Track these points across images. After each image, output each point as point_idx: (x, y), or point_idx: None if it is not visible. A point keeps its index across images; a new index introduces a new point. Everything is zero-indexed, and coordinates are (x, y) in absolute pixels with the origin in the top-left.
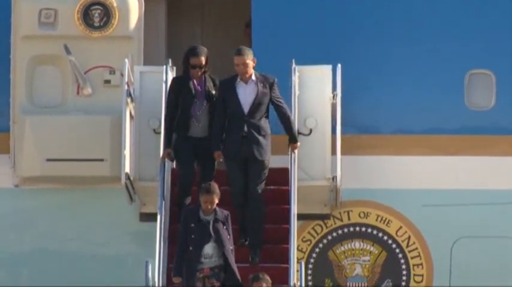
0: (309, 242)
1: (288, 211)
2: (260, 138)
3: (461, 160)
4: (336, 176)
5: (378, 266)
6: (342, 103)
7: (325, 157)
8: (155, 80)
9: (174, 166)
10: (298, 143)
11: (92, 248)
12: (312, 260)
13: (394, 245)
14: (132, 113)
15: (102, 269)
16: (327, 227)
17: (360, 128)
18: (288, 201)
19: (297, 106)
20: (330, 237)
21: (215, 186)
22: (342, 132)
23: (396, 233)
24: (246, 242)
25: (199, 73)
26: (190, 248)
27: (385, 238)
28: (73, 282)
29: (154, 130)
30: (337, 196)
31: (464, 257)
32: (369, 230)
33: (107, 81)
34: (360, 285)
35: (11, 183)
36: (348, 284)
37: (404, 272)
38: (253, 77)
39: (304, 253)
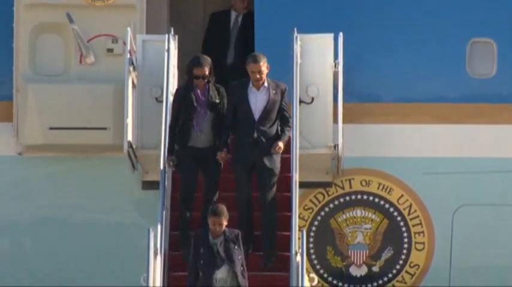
0: (310, 210)
1: (290, 179)
2: (269, 145)
3: (462, 128)
4: (338, 144)
5: (379, 234)
6: (344, 72)
7: (326, 125)
8: (157, 48)
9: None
10: (281, 146)
11: (94, 217)
12: (313, 228)
13: (395, 213)
14: (135, 81)
15: (105, 238)
16: (328, 195)
17: (361, 96)
18: (289, 169)
19: (298, 75)
20: (331, 205)
21: (223, 208)
22: (344, 101)
23: (398, 201)
24: (266, 265)
25: (203, 83)
26: (201, 274)
27: (387, 206)
28: (76, 250)
29: (156, 99)
30: (338, 164)
31: (466, 225)
32: (371, 198)
33: (110, 50)
34: (361, 253)
35: (14, 151)
36: (349, 252)
37: (405, 240)
38: (266, 84)
39: (306, 221)
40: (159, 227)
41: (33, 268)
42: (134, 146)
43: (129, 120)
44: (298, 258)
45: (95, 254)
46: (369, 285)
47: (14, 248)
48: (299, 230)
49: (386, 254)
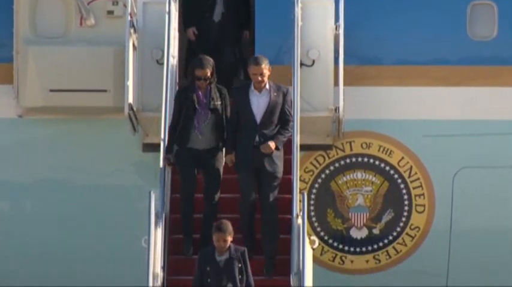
0: (311, 173)
1: (291, 141)
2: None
3: (463, 90)
4: (339, 107)
5: (379, 197)
6: (345, 34)
7: (327, 88)
8: (158, 11)
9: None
10: (271, 146)
11: (95, 179)
12: (314, 191)
13: (396, 176)
14: (135, 44)
15: (106, 200)
16: (329, 158)
17: (362, 59)
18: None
19: (299, 38)
20: (332, 167)
21: (228, 224)
22: (345, 63)
23: (398, 164)
24: (266, 274)
25: (205, 84)
26: None
27: (387, 168)
28: (76, 213)
29: (157, 61)
30: (339, 126)
31: (466, 187)
32: (371, 160)
33: (110, 12)
34: (362, 215)
35: (14, 113)
36: (350, 214)
37: (406, 203)
38: (267, 86)
39: (307, 183)
40: (160, 189)
41: (33, 231)
42: (135, 109)
43: (130, 83)
44: (299, 220)
45: (95, 217)
46: (369, 247)
47: (13, 210)
48: (300, 192)
49: (387, 216)
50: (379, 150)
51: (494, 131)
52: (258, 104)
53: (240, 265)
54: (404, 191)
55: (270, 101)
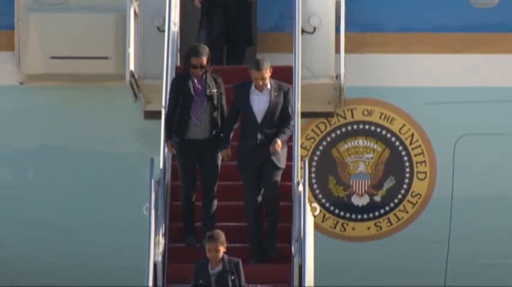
0: (312, 140)
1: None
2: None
3: (465, 57)
4: (340, 74)
5: (381, 164)
6: (346, 1)
7: (329, 55)
8: None
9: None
10: (279, 143)
11: (97, 146)
12: (315, 158)
13: (397, 143)
14: (136, 11)
15: (108, 167)
16: (330, 125)
17: (363, 26)
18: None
19: (300, 4)
20: (333, 135)
21: (220, 234)
22: (346, 30)
23: (399, 131)
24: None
25: (201, 73)
26: None
27: (389, 135)
28: (78, 179)
29: (158, 28)
30: (340, 93)
31: (468, 154)
32: (373, 127)
33: None
34: (363, 182)
35: (15, 80)
36: (351, 181)
37: (407, 170)
38: (268, 85)
39: (308, 150)
40: (161, 157)
41: (35, 198)
42: (136, 76)
43: (131, 50)
44: (300, 188)
45: (97, 184)
46: (371, 214)
47: (16, 178)
48: (301, 159)
49: (388, 183)
50: (380, 117)
51: (495, 98)
52: (259, 103)
53: (233, 278)
54: (405, 158)
55: (270, 100)
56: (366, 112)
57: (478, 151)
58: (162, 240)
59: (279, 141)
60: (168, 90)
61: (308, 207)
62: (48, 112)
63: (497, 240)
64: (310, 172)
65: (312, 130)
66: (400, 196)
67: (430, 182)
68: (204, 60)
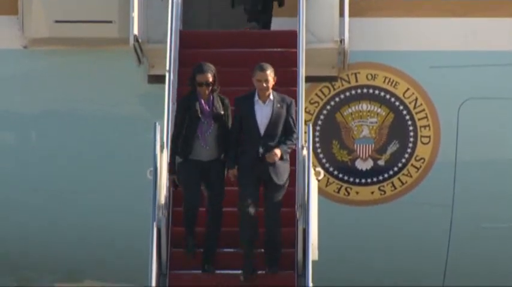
0: (316, 104)
1: (296, 73)
2: (277, 160)
3: (469, 21)
4: (344, 39)
5: (385, 128)
6: None
7: (333, 19)
8: None
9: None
10: (277, 155)
11: (100, 110)
12: (319, 122)
13: (401, 107)
14: None
15: (111, 131)
16: (334, 89)
17: None
18: (295, 63)
19: None
20: (337, 99)
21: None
22: None
23: (403, 95)
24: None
25: (207, 91)
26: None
27: (393, 99)
28: (82, 144)
29: None
30: (344, 58)
31: (472, 118)
32: (376, 92)
33: None
34: (367, 147)
35: (19, 44)
36: (355, 145)
37: (411, 134)
38: (271, 97)
39: (312, 115)
40: (165, 121)
41: (38, 162)
42: (140, 40)
43: (135, 14)
44: (305, 152)
45: (101, 148)
46: (375, 178)
47: (20, 142)
48: (305, 124)
49: (392, 147)
50: (384, 81)
51: (500, 62)
52: (262, 115)
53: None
54: (409, 122)
55: (273, 112)
56: (369, 76)
57: (482, 115)
58: (165, 204)
59: (276, 152)
60: (175, 109)
61: (312, 171)
62: (51, 76)
63: (500, 204)
64: (314, 137)
65: (316, 94)
66: (404, 160)
67: (434, 146)
68: (210, 77)
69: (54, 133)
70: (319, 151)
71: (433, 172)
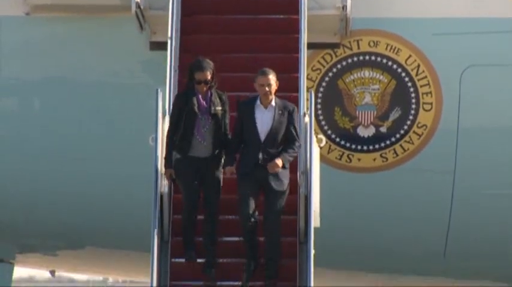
0: (318, 71)
1: (298, 40)
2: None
3: None
4: (346, 5)
5: (387, 95)
6: None
7: None
8: None
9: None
10: (279, 166)
11: (102, 77)
12: (321, 89)
13: (403, 74)
14: None
15: (113, 98)
16: (336, 56)
17: None
18: (297, 30)
19: None
20: (339, 66)
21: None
22: None
23: (405, 62)
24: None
25: (205, 88)
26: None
27: (395, 66)
28: (84, 111)
29: None
30: (346, 24)
31: (474, 85)
32: (379, 58)
33: None
34: (369, 113)
35: (21, 11)
36: (357, 112)
37: (413, 101)
38: (273, 103)
39: (314, 81)
40: (167, 88)
41: (39, 129)
42: (142, 7)
43: None
44: (307, 119)
45: (102, 115)
46: (377, 145)
47: (22, 108)
48: (307, 91)
49: (394, 114)
50: (386, 48)
51: (502, 29)
52: (262, 121)
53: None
54: (411, 89)
55: (274, 118)
56: (372, 43)
57: (484, 82)
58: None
59: (278, 162)
60: (172, 104)
61: (314, 138)
62: (53, 43)
63: (502, 171)
64: (316, 103)
65: (318, 61)
66: (406, 127)
67: (436, 113)
68: (208, 75)
69: (56, 100)
70: (321, 117)
71: (435, 138)
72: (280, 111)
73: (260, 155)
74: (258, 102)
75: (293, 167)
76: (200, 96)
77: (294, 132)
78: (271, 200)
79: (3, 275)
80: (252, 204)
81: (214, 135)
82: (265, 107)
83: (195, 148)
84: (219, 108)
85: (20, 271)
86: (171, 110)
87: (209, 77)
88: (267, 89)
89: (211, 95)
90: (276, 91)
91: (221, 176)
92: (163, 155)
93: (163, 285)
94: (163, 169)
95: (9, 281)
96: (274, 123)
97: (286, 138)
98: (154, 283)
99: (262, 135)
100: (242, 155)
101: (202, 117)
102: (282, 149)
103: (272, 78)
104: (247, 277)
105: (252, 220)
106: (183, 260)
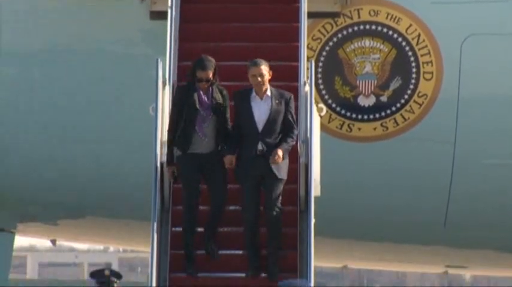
0: (319, 41)
1: (298, 9)
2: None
3: None
4: None
5: (387, 64)
6: None
7: None
8: None
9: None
10: (280, 156)
11: (103, 47)
12: (322, 59)
13: (404, 43)
14: None
15: (113, 68)
16: (337, 26)
17: None
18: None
19: None
20: (339, 35)
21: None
22: None
23: (406, 31)
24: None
25: (206, 85)
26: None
27: (395, 35)
28: (84, 80)
29: None
30: None
31: (475, 54)
32: (379, 28)
33: None
34: (369, 83)
35: None
36: (357, 82)
37: (414, 70)
38: (268, 92)
39: (314, 51)
40: (167, 57)
41: (39, 97)
42: None
43: None
44: (307, 88)
45: (102, 85)
46: (377, 115)
47: (23, 77)
48: (307, 60)
49: (395, 84)
50: (387, 17)
51: None
52: (260, 111)
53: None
54: (412, 58)
55: (271, 108)
56: (372, 12)
57: (485, 51)
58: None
59: (279, 153)
60: (172, 99)
61: (314, 107)
62: (55, 12)
63: (502, 140)
64: (316, 73)
65: (319, 31)
66: (406, 97)
67: (437, 83)
68: (210, 73)
69: (55, 69)
70: (321, 87)
71: (435, 108)
72: (277, 101)
73: (259, 146)
74: (254, 93)
75: (292, 157)
76: (201, 92)
77: (291, 120)
78: (271, 190)
79: (4, 244)
80: (254, 195)
81: (215, 131)
82: (261, 98)
83: (197, 145)
84: (220, 103)
85: (20, 240)
86: (171, 105)
87: (211, 76)
88: (259, 79)
89: (212, 91)
90: (270, 80)
91: (226, 174)
92: (165, 152)
93: (163, 252)
94: (164, 139)
95: (10, 250)
96: (272, 112)
97: (284, 127)
98: (155, 251)
99: (260, 125)
100: (240, 147)
101: (204, 113)
102: (280, 139)
103: (264, 68)
104: (252, 271)
105: (254, 211)
106: (182, 251)
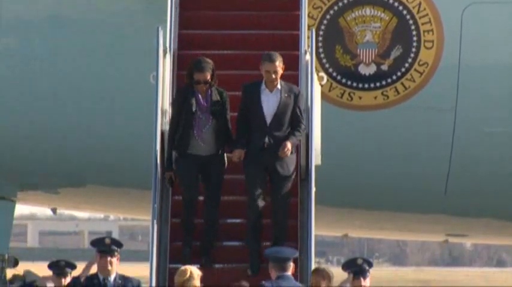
0: (319, 9)
1: None
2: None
3: None
4: None
5: (388, 33)
6: None
7: None
8: None
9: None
10: (289, 149)
11: (104, 16)
12: (322, 27)
13: (404, 12)
14: None
15: (114, 37)
16: None
17: None
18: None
19: None
20: (340, 4)
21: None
22: None
23: (407, 0)
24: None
25: (205, 88)
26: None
27: (396, 4)
28: (85, 51)
29: None
30: None
31: (475, 22)
32: None
33: None
34: (370, 51)
35: None
36: (358, 50)
37: (414, 39)
38: (279, 86)
39: (315, 20)
40: (167, 26)
41: (43, 67)
42: None
43: None
44: (308, 57)
45: (103, 53)
46: (378, 83)
47: (23, 47)
48: (308, 29)
49: (395, 52)
50: None
51: None
52: (268, 104)
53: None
54: (412, 26)
55: (280, 101)
56: None
57: (486, 19)
58: (168, 109)
59: (288, 145)
60: (172, 101)
61: (315, 76)
62: None
63: (503, 108)
64: (317, 41)
65: None
66: (407, 65)
67: (438, 51)
68: (208, 75)
69: (56, 39)
70: (322, 55)
71: (436, 76)
72: (286, 94)
73: (266, 139)
74: (263, 86)
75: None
76: (200, 95)
77: (299, 115)
78: (278, 185)
79: (5, 212)
80: (260, 187)
81: (215, 134)
82: (271, 91)
83: (195, 149)
84: (220, 106)
85: (21, 209)
86: (171, 107)
87: (208, 77)
88: (273, 76)
89: (211, 93)
90: (282, 75)
91: (223, 177)
92: (165, 156)
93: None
94: (165, 108)
95: (11, 219)
96: (281, 105)
97: (292, 121)
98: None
99: (268, 118)
100: (248, 141)
101: (203, 116)
102: (289, 132)
103: (279, 64)
104: (254, 264)
105: (260, 202)
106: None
